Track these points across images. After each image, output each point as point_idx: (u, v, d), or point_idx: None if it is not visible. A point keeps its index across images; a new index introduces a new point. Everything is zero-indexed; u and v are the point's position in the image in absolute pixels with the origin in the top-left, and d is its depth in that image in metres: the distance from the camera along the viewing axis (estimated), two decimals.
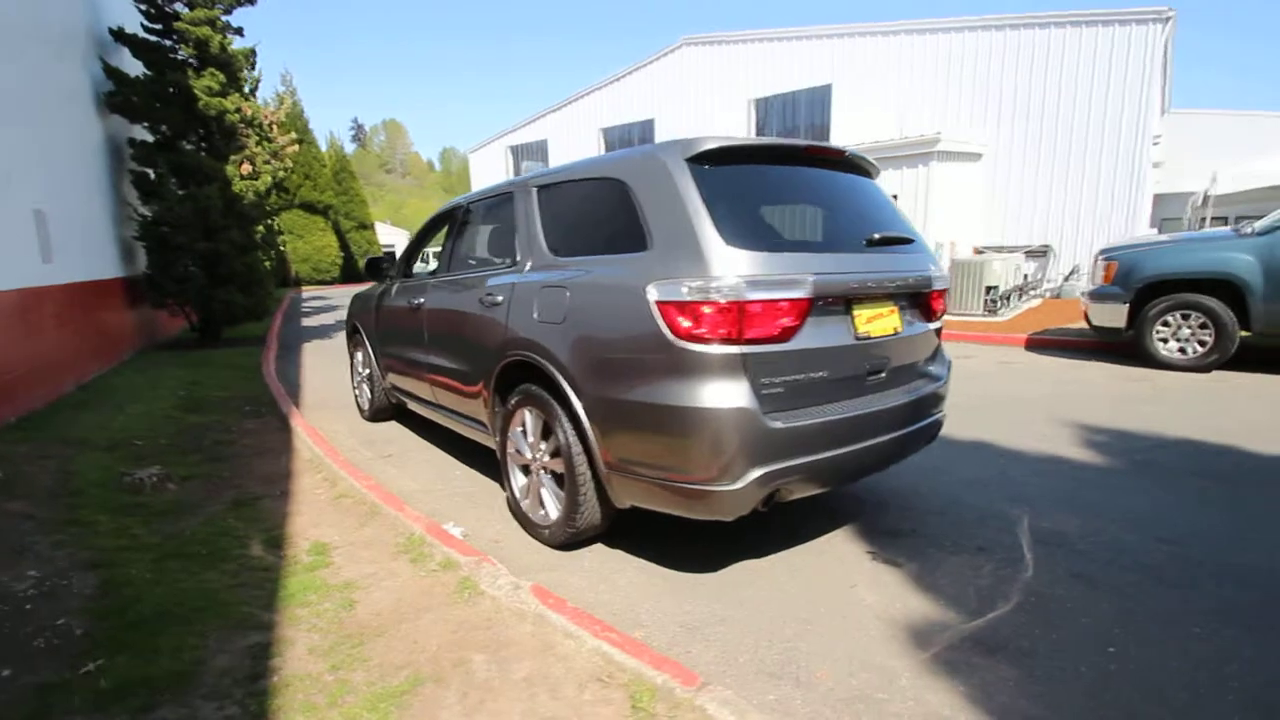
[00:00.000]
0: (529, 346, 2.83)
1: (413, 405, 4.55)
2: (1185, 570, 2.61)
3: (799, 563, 2.78)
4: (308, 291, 23.81)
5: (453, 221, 3.97)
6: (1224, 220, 13.30)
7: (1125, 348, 6.77)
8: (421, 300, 4.00)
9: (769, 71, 17.77)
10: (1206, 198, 11.99)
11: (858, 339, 2.52)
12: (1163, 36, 12.62)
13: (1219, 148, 15.00)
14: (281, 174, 11.16)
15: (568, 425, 2.69)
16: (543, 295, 2.78)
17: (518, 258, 3.13)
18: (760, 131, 18.56)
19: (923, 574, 2.64)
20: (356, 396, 5.63)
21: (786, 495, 2.39)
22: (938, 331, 3.07)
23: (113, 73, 7.63)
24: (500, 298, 3.08)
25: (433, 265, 4.27)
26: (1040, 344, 8.09)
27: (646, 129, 20.96)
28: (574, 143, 22.81)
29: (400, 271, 4.66)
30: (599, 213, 2.76)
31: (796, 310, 2.29)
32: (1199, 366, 6.02)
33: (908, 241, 2.78)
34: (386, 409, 5.23)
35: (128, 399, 5.83)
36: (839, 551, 2.87)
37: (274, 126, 13.17)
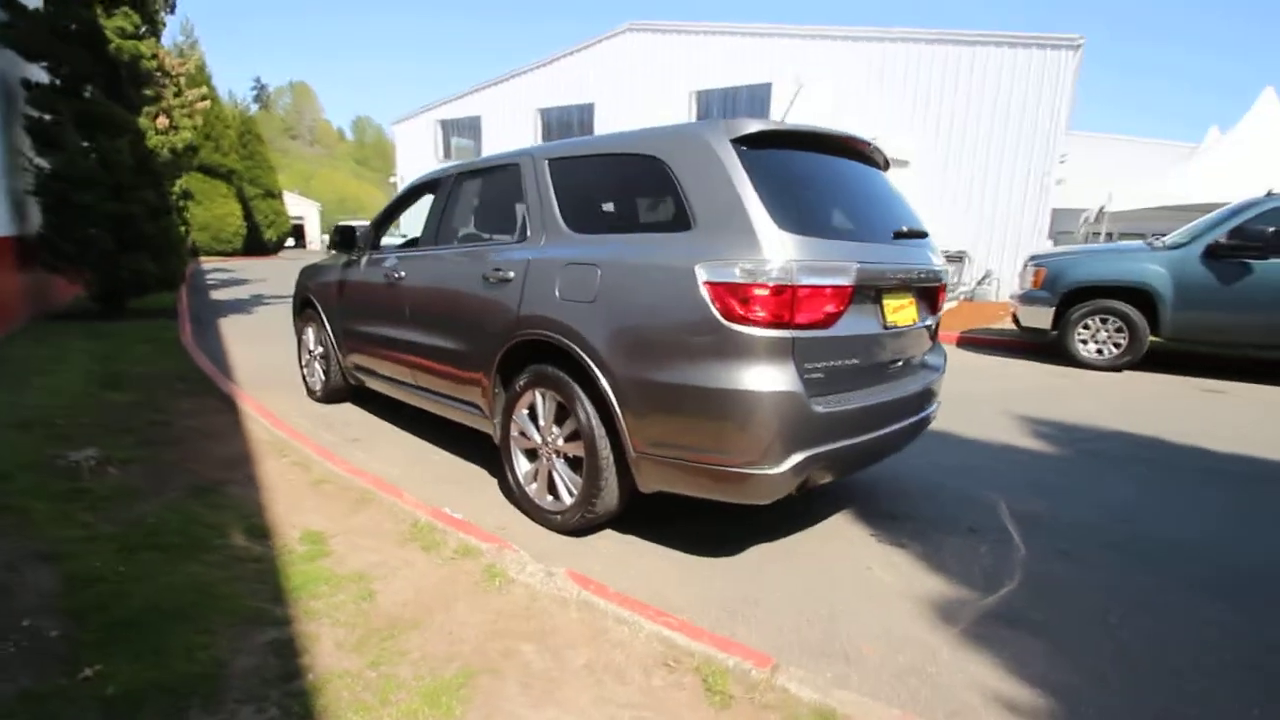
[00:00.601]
0: (548, 326, 2.72)
1: (379, 386, 4.30)
2: (1147, 547, 2.87)
3: (810, 546, 2.84)
4: (208, 263, 21.94)
5: (440, 191, 3.75)
6: (1109, 236, 14.68)
7: (1049, 348, 7.36)
8: (402, 275, 3.77)
9: (711, 65, 17.94)
10: (1101, 214, 13.20)
11: (885, 328, 2.59)
12: (1073, 62, 13.72)
13: (1108, 170, 16.53)
14: (191, 133, 10.21)
15: (590, 408, 2.62)
16: (567, 273, 2.68)
17: (528, 233, 3.00)
18: None
19: (929, 555, 2.77)
20: (305, 376, 5.25)
21: (817, 480, 2.43)
22: (937, 325, 3.21)
23: (7, 2, 6.67)
24: (511, 274, 2.94)
25: (399, 239, 4.04)
26: (970, 342, 8.65)
27: (586, 113, 20.70)
28: (509, 121, 22.21)
29: (370, 243, 4.37)
30: (629, 190, 2.69)
31: (841, 297, 2.33)
32: (1113, 366, 6.63)
33: (924, 235, 2.89)
34: (341, 390, 4.91)
35: (31, 373, 5.18)
36: (845, 535, 2.96)
37: (181, 80, 12.01)
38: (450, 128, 24.41)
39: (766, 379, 2.20)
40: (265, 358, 6.67)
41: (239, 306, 11.01)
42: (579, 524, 2.78)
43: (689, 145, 2.45)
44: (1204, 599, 2.45)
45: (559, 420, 2.82)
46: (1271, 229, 5.71)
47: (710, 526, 2.94)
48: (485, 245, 3.27)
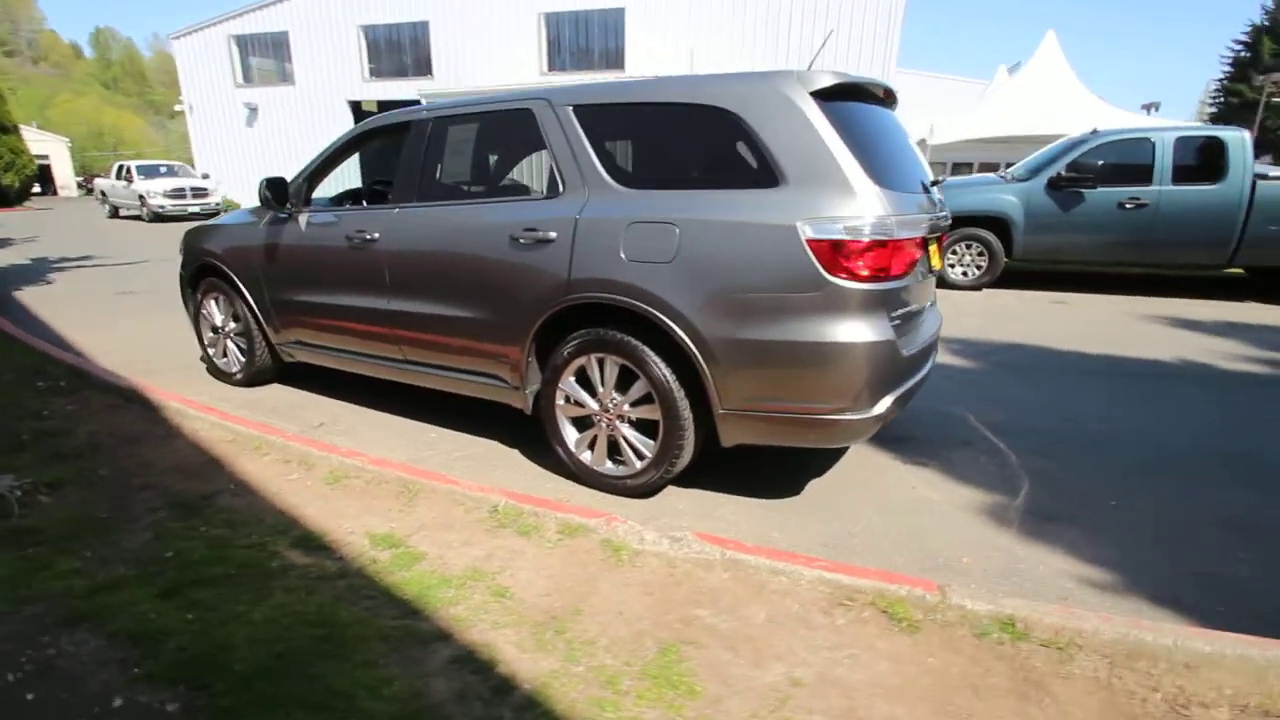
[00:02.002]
0: (613, 289, 2.60)
1: (335, 363, 3.83)
2: (1096, 440, 3.52)
3: (851, 476, 3.11)
4: None
5: (411, 139, 3.31)
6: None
7: None
8: (375, 236, 3.32)
9: None
10: (924, 145, 14.85)
11: (929, 272, 2.83)
12: (901, 2, 14.89)
13: (928, 105, 18.51)
14: None
15: (665, 369, 2.59)
16: (634, 232, 2.56)
17: (562, 187, 2.80)
18: (553, 49, 17.82)
19: (948, 469, 3.16)
20: (212, 357, 4.48)
21: (890, 418, 2.66)
22: None
23: None
24: (552, 234, 2.74)
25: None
26: None
27: (420, 31, 18.76)
28: (324, 39, 19.51)
29: (303, 199, 3.76)
30: (692, 143, 2.60)
31: (919, 246, 2.49)
32: (975, 286, 7.69)
33: (938, 182, 3.13)
34: (268, 370, 4.30)
35: None
36: (874, 461, 3.27)
37: None
38: (248, 45, 20.86)
39: (869, 330, 2.34)
40: (122, 337, 5.59)
41: (27, 275, 8.92)
42: (650, 485, 2.79)
43: (767, 99, 2.41)
44: (1162, 478, 3.09)
45: (621, 384, 2.75)
46: (1100, 162, 6.86)
47: (761, 471, 3.09)
48: (500, 201, 2.99)
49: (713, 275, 2.44)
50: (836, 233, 2.26)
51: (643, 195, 2.62)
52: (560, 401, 2.93)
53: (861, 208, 2.27)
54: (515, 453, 3.36)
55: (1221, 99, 40.76)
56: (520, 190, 3.01)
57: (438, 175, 3.28)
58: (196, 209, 18.03)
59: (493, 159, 3.24)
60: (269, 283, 3.90)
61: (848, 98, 2.60)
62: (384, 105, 22.91)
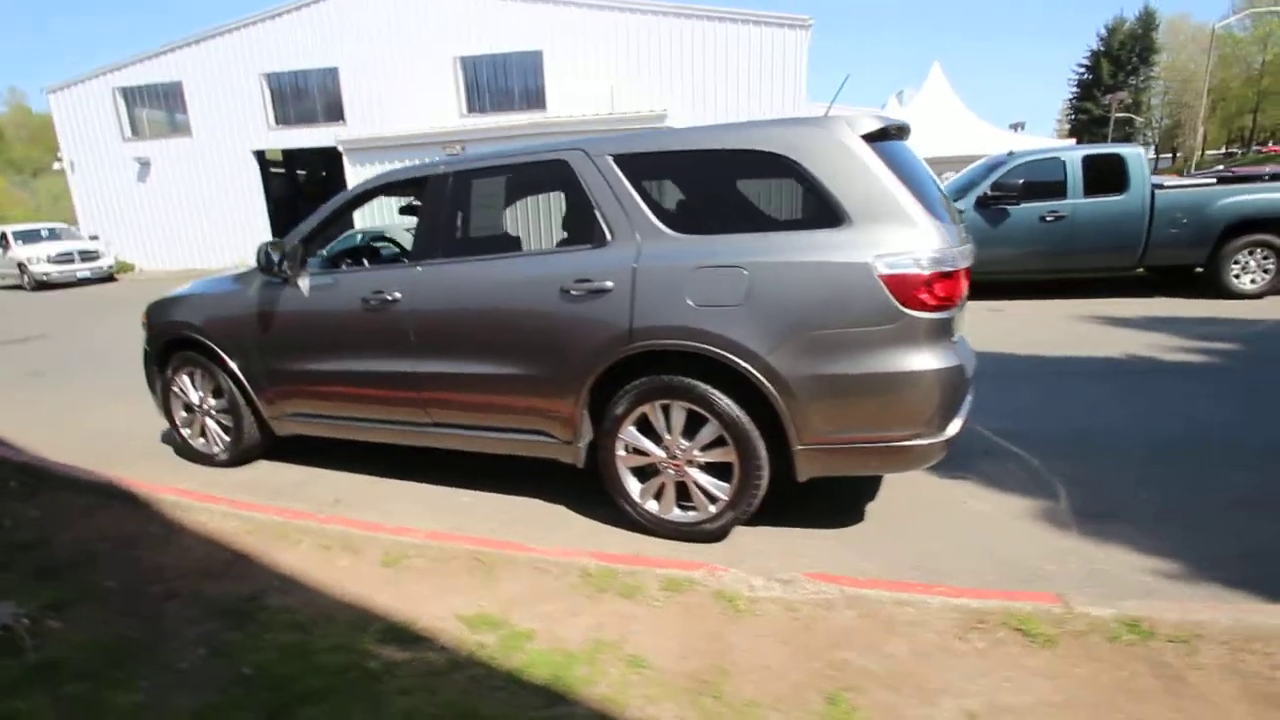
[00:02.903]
0: (681, 335, 2.60)
1: (338, 432, 3.59)
2: (1100, 439, 3.79)
3: (898, 495, 3.20)
4: None
5: (430, 193, 3.19)
6: None
7: None
8: (397, 296, 3.16)
9: (476, 28, 17.02)
10: None
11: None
12: (805, 40, 15.89)
13: None
14: None
15: (738, 411, 2.60)
16: (700, 277, 2.57)
17: (610, 236, 2.78)
18: (471, 92, 17.74)
19: (984, 479, 3.31)
20: (186, 439, 4.08)
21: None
22: None
23: None
24: (609, 284, 2.71)
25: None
26: None
27: (329, 78, 18.22)
28: (224, 87, 18.57)
29: (301, 261, 3.53)
30: (748, 187, 2.66)
31: (968, 274, 2.64)
32: None
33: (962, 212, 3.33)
34: (256, 448, 3.97)
35: None
36: (909, 480, 3.37)
37: None
38: (136, 96, 19.51)
39: (941, 356, 2.45)
40: (54, 424, 5.02)
41: None
42: (726, 527, 2.77)
43: (822, 143, 2.51)
44: (1172, 467, 3.35)
45: (688, 429, 2.73)
46: (1020, 180, 7.52)
47: (815, 501, 3.12)
48: (542, 254, 2.93)
49: (787, 315, 2.48)
50: (909, 267, 2.37)
51: (702, 240, 2.64)
52: (621, 452, 2.87)
53: (927, 242, 2.39)
54: (560, 509, 3.25)
55: (1073, 116, 45.95)
56: (562, 241, 2.96)
57: (464, 231, 3.18)
58: (87, 273, 16.53)
59: (524, 212, 3.18)
60: (263, 352, 3.62)
61: (883, 137, 2.74)
62: (291, 154, 22.03)
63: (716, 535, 2.80)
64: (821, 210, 2.49)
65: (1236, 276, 7.37)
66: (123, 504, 3.42)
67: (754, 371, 2.52)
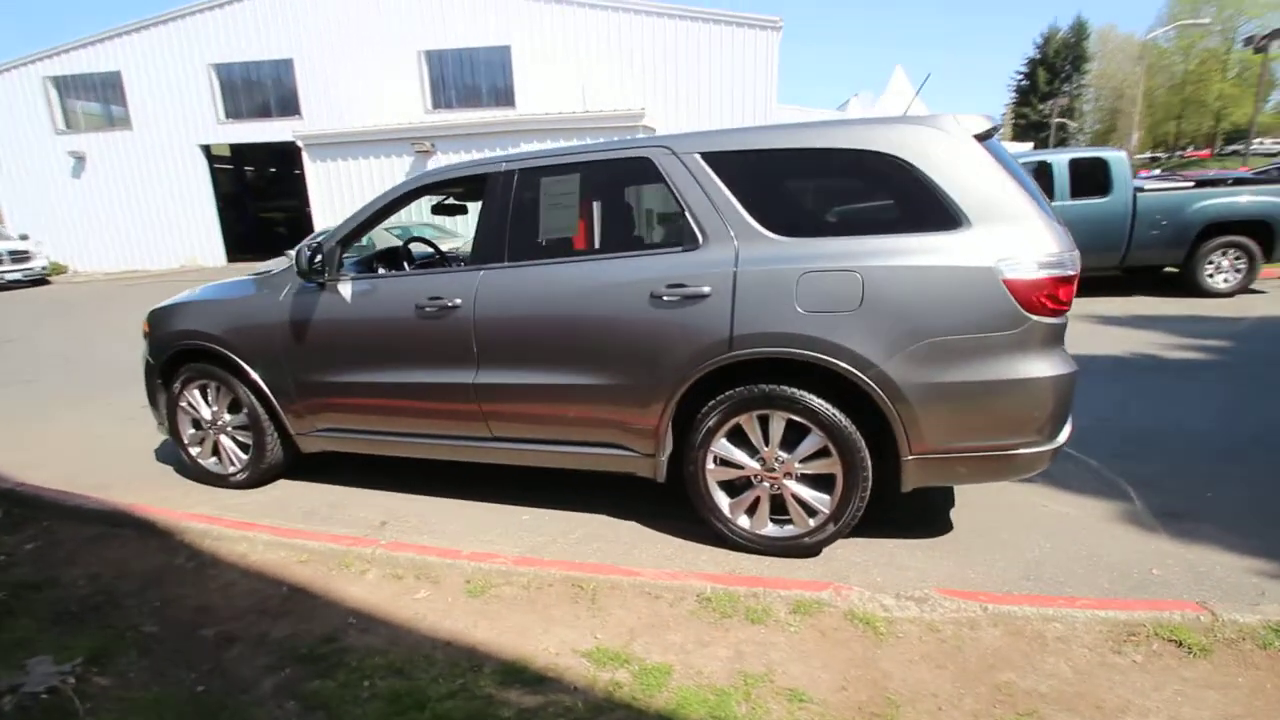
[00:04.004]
0: (788, 342, 2.48)
1: (377, 448, 3.35)
2: (1148, 436, 3.84)
3: (976, 501, 3.16)
4: None
5: (495, 193, 2.98)
6: None
7: None
8: (458, 302, 2.94)
9: (441, 21, 16.50)
10: None
11: None
12: (777, 41, 16.01)
13: None
14: None
15: (844, 421, 2.50)
16: (810, 282, 2.46)
17: (701, 240, 2.64)
18: (437, 87, 17.21)
19: (1053, 482, 3.29)
20: (195, 458, 3.74)
21: None
22: None
23: None
24: (706, 289, 2.57)
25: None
26: None
27: (283, 69, 17.37)
28: (168, 78, 17.50)
29: (336, 265, 3.26)
30: (855, 188, 2.57)
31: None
32: None
33: None
34: (278, 466, 3.66)
35: None
36: (984, 485, 3.34)
37: None
38: (70, 86, 18.16)
39: (1059, 362, 2.41)
40: (28, 444, 4.54)
41: None
42: (825, 541, 2.66)
43: (935, 144, 2.43)
44: (1223, 463, 3.41)
45: (787, 441, 2.62)
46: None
47: (895, 509, 3.05)
48: (624, 257, 2.76)
49: (904, 321, 2.39)
50: (1033, 270, 2.31)
51: (806, 243, 2.53)
52: (710, 466, 2.73)
53: (1046, 244, 2.34)
54: (632, 524, 3.08)
55: (1014, 120, 48.00)
56: (642, 244, 2.80)
57: (533, 232, 2.98)
58: (18, 276, 15.31)
59: (601, 212, 2.99)
60: (295, 364, 3.33)
61: (987, 137, 2.68)
62: (239, 150, 20.94)
63: (814, 550, 2.70)
64: (938, 212, 2.41)
65: (1210, 276, 7.73)
66: (137, 534, 3.09)
67: (867, 380, 2.42)
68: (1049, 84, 47.52)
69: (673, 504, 3.02)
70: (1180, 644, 1.99)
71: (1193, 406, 4.30)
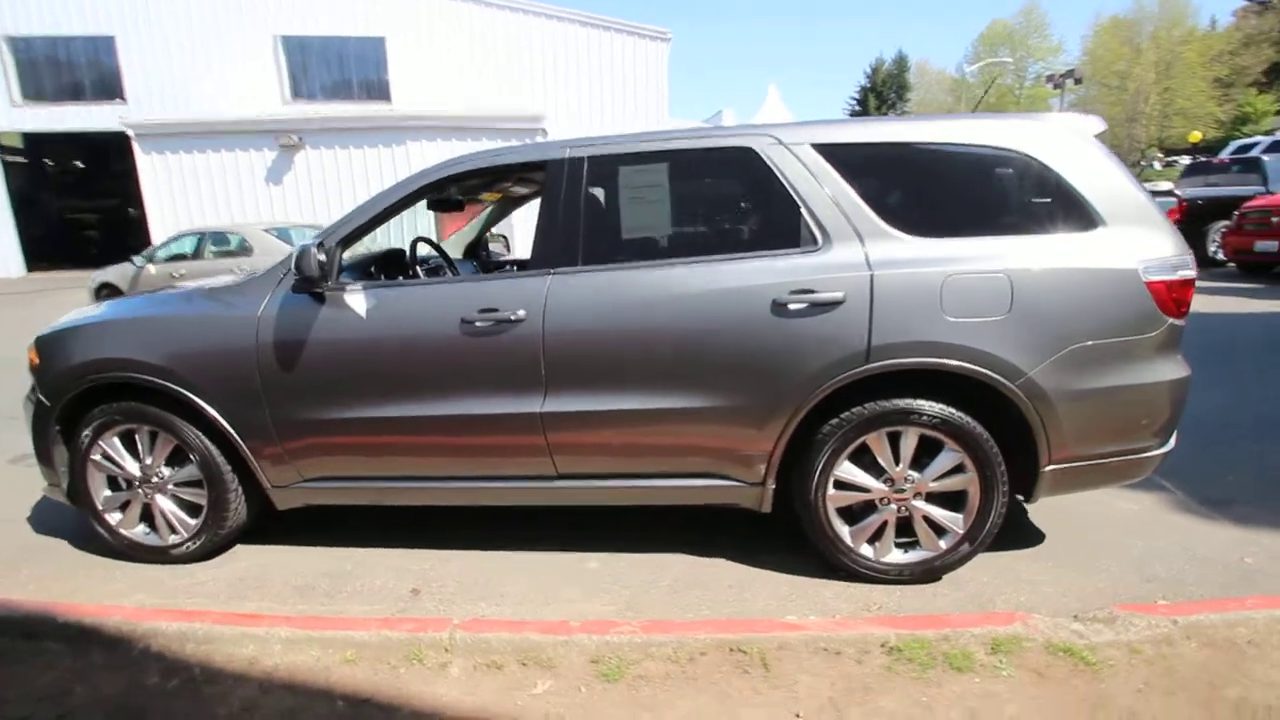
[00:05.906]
0: (935, 351, 2.27)
1: (390, 498, 2.75)
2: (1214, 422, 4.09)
3: (1048, 504, 3.12)
4: None
5: (558, 184, 2.48)
6: None
7: None
8: (522, 315, 2.42)
9: (301, 6, 14.82)
10: None
11: None
12: (665, 52, 16.18)
13: None
14: None
15: (982, 432, 2.35)
16: (954, 285, 2.26)
17: (820, 240, 2.36)
18: (297, 77, 15.45)
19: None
20: (114, 528, 2.82)
21: None
22: None
23: None
24: (839, 294, 2.29)
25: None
26: None
27: (102, 47, 14.77)
28: None
29: (336, 271, 2.58)
30: (984, 186, 2.41)
31: None
32: None
33: None
34: (237, 531, 2.86)
35: None
36: None
37: None
38: None
39: (1183, 365, 2.41)
40: None
41: None
42: (959, 563, 2.49)
43: (1065, 142, 2.34)
44: (1247, 448, 3.63)
45: (916, 459, 2.41)
46: None
47: None
48: (733, 259, 2.41)
49: (1053, 326, 2.27)
50: (1169, 272, 2.29)
51: (943, 244, 2.33)
52: (831, 492, 2.45)
53: (1174, 246, 2.33)
54: (720, 562, 2.72)
55: None
56: (748, 245, 2.46)
57: (614, 231, 2.52)
58: None
59: (685, 207, 2.59)
60: (278, 396, 2.59)
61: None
62: (37, 140, 17.38)
63: (941, 574, 2.51)
64: (1073, 212, 2.32)
65: None
66: (68, 646, 2.21)
67: (1016, 390, 2.27)
68: (878, 109, 52.90)
69: (751, 532, 2.73)
70: None
71: (1201, 395, 4.61)
